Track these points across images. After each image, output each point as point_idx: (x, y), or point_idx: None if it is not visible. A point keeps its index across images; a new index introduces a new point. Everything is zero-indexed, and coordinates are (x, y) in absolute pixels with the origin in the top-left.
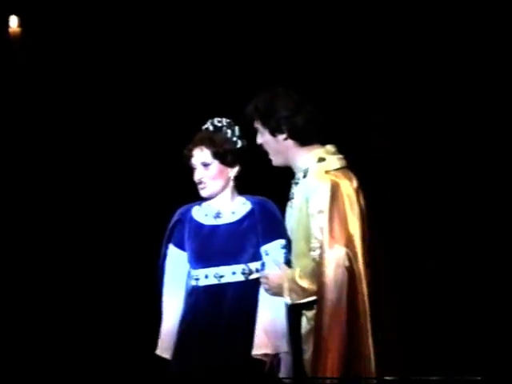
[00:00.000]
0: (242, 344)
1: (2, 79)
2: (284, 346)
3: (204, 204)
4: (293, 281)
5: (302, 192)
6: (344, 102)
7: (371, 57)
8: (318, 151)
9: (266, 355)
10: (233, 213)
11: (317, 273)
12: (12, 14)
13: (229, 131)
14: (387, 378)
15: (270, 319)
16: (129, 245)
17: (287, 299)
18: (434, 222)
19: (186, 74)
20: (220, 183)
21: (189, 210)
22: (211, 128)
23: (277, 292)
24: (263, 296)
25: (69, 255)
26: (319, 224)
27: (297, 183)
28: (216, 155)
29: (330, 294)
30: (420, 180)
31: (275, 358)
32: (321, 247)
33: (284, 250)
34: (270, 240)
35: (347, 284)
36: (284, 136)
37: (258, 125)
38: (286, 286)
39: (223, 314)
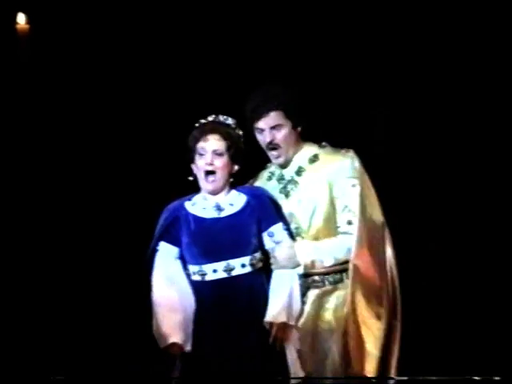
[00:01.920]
0: (256, 335)
1: (9, 76)
2: (293, 319)
3: (197, 198)
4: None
5: (320, 175)
6: (347, 98)
7: (373, 54)
8: (308, 143)
9: (273, 325)
10: (231, 205)
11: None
12: (20, 11)
13: (240, 132)
14: (400, 378)
15: (283, 292)
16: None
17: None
18: (435, 215)
19: (189, 74)
20: (225, 177)
21: (182, 206)
22: (222, 120)
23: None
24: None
25: (65, 253)
26: (353, 198)
27: (303, 171)
28: (229, 149)
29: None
30: (421, 173)
31: (284, 331)
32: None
33: (286, 232)
34: (273, 222)
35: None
36: (299, 128)
37: (277, 118)
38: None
39: (236, 307)
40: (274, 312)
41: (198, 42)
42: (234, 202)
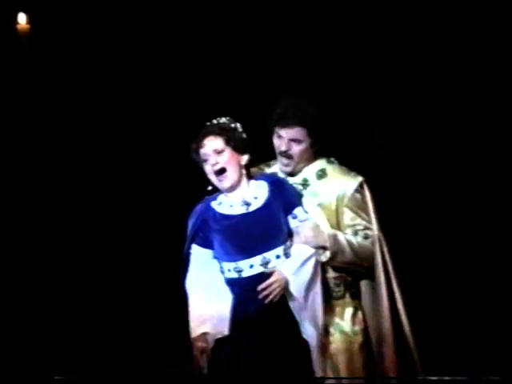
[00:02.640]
0: (289, 326)
1: (10, 76)
2: (296, 284)
3: (221, 197)
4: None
5: (328, 191)
6: (349, 103)
7: (375, 61)
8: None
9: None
10: (255, 198)
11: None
12: (20, 11)
13: (235, 124)
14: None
15: (299, 257)
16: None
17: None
18: (435, 217)
19: (193, 76)
20: (237, 170)
21: (209, 207)
22: (211, 123)
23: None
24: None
25: (64, 252)
26: (362, 209)
27: (308, 185)
28: (228, 142)
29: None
30: (420, 175)
31: (280, 287)
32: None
33: (307, 214)
34: (295, 205)
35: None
36: (316, 147)
37: (299, 134)
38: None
39: (271, 300)
40: (284, 266)
41: (197, 43)
42: (257, 194)
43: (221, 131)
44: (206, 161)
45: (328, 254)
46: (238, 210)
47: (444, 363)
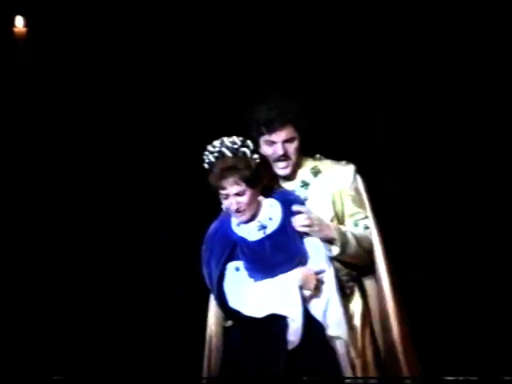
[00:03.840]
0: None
1: (7, 79)
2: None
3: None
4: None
5: (327, 184)
6: (349, 103)
7: (372, 58)
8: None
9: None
10: (270, 219)
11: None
12: (18, 14)
13: (246, 151)
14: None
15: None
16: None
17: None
18: (435, 216)
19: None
20: (255, 205)
21: (232, 231)
22: (228, 153)
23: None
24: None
25: (63, 252)
26: (359, 199)
27: (308, 184)
28: (247, 182)
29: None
30: (420, 175)
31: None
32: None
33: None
34: None
35: None
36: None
37: (290, 132)
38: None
39: None
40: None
41: (194, 46)
42: (271, 214)
43: (237, 172)
44: (224, 198)
45: (337, 247)
46: (256, 235)
47: (455, 363)
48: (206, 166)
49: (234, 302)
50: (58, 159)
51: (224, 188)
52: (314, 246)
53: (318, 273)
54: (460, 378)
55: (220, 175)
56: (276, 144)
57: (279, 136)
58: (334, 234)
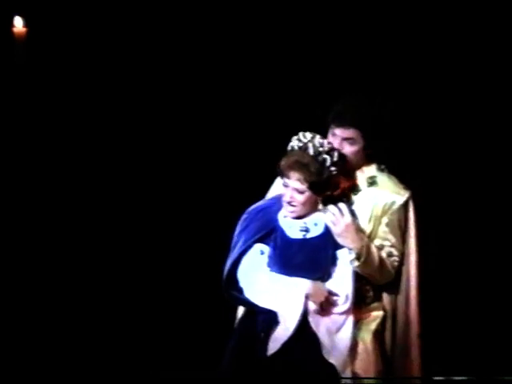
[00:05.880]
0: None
1: (6, 80)
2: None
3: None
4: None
5: (376, 200)
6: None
7: (376, 58)
8: (368, 164)
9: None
10: (315, 224)
11: None
12: (17, 14)
13: (327, 159)
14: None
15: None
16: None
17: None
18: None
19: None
20: (308, 208)
21: (276, 218)
22: (310, 151)
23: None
24: None
25: (62, 252)
26: (396, 227)
27: (359, 191)
28: (312, 186)
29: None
30: (422, 172)
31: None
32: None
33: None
34: None
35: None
36: (368, 151)
37: (353, 134)
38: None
39: None
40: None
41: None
42: (318, 221)
43: (308, 171)
44: (285, 186)
45: (356, 258)
46: (296, 234)
47: (455, 363)
48: (288, 147)
49: (241, 278)
50: (58, 159)
51: (288, 177)
52: (343, 263)
53: (331, 293)
54: (460, 378)
55: (290, 165)
56: (336, 137)
57: (342, 132)
58: (358, 244)
